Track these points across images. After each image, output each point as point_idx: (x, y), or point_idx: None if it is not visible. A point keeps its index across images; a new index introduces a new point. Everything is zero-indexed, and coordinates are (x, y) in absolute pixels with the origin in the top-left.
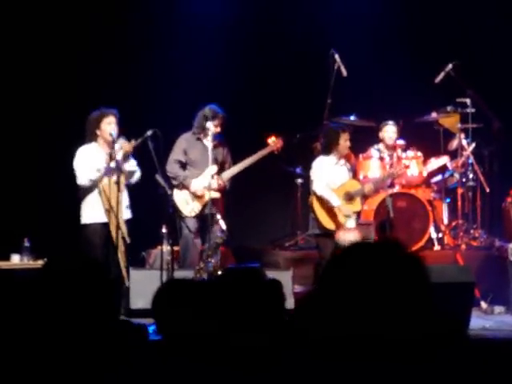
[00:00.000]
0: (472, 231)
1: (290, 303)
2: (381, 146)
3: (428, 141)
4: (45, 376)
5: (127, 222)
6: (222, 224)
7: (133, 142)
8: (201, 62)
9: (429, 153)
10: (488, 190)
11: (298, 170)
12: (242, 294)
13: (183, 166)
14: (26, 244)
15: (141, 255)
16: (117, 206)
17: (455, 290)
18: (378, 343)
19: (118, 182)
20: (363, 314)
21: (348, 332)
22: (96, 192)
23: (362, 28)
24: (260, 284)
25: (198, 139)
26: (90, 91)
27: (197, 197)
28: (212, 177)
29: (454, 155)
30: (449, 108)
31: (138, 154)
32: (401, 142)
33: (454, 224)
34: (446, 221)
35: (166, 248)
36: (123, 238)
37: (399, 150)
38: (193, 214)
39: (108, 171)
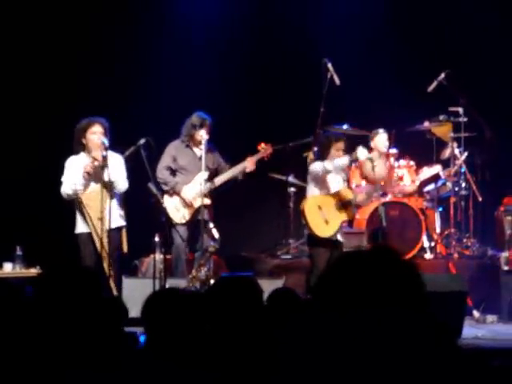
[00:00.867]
0: (464, 240)
1: None
2: (374, 154)
3: (421, 150)
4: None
5: (119, 229)
6: (215, 232)
7: (93, 164)
8: (194, 70)
9: (421, 162)
10: (480, 199)
11: (291, 179)
12: (236, 303)
13: (173, 172)
14: (19, 252)
15: (133, 264)
16: (101, 215)
17: (448, 299)
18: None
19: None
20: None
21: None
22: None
23: (355, 37)
24: (252, 293)
25: (187, 146)
26: (80, 100)
27: (187, 203)
28: (202, 183)
29: (446, 164)
30: (441, 117)
31: (130, 162)
32: (393, 150)
33: (446, 233)
34: (438, 230)
35: (158, 256)
36: (114, 247)
37: (392, 159)
38: (183, 221)
39: (87, 184)
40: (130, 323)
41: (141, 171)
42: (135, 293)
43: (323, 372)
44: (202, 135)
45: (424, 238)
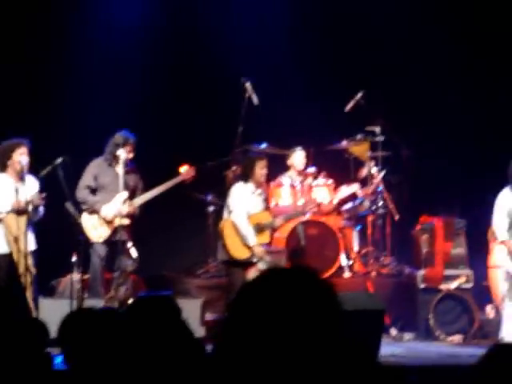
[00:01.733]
0: (382, 258)
1: (199, 331)
2: (291, 173)
3: (338, 168)
4: None
5: (33, 252)
6: (133, 251)
7: (43, 195)
8: (113, 89)
9: (339, 180)
10: (397, 218)
11: (210, 198)
12: (154, 322)
13: (93, 191)
14: None
15: (50, 284)
16: (18, 236)
17: (365, 318)
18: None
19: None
20: (274, 344)
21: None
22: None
23: (274, 56)
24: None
25: (110, 165)
26: None
27: (106, 222)
28: (122, 203)
29: (364, 183)
30: (359, 136)
31: (47, 181)
32: (312, 169)
33: (364, 251)
34: (356, 248)
35: (75, 276)
36: (27, 268)
37: (310, 178)
38: (101, 240)
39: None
40: (48, 344)
41: (58, 190)
42: (52, 313)
43: None
44: (121, 154)
45: (342, 257)
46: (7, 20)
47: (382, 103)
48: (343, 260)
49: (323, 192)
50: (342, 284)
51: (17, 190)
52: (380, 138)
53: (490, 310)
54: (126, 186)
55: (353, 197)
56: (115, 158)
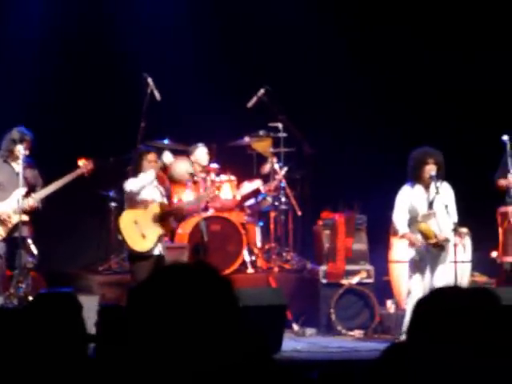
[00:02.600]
0: (284, 254)
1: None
2: (194, 169)
3: (241, 165)
4: None
5: None
6: (33, 248)
7: None
8: (12, 83)
9: (242, 176)
10: (300, 214)
11: (112, 194)
12: (54, 319)
13: None
14: None
15: None
16: None
17: (267, 313)
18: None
19: None
20: (172, 339)
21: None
22: None
23: (176, 52)
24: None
25: (5, 162)
26: None
27: (3, 220)
28: (21, 199)
29: (266, 179)
30: (261, 132)
31: None
32: (214, 165)
33: (266, 247)
34: (259, 244)
35: None
36: None
37: (213, 174)
38: (0, 238)
39: None
40: None
41: None
42: None
43: None
44: (20, 150)
45: (245, 253)
46: None
47: (285, 100)
48: (246, 256)
49: (226, 188)
50: (245, 279)
51: None
52: (282, 135)
53: (390, 305)
54: (25, 182)
55: (255, 193)
56: (11, 154)
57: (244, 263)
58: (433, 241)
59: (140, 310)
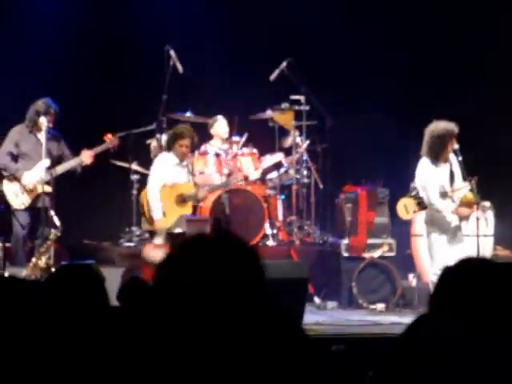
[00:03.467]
0: (306, 227)
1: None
2: (216, 141)
3: (263, 138)
4: None
5: None
6: (56, 220)
7: None
8: (38, 55)
9: (264, 149)
10: (321, 187)
11: (133, 166)
12: (77, 291)
13: (15, 158)
14: None
15: None
16: None
17: (289, 286)
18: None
19: None
20: (199, 309)
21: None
22: None
23: (199, 24)
24: (94, 281)
25: (31, 132)
26: None
27: (27, 190)
28: (44, 170)
29: (288, 152)
30: (283, 105)
31: None
32: (236, 138)
33: (288, 220)
34: (280, 217)
35: None
36: None
37: (235, 147)
38: (22, 207)
39: None
40: None
41: None
42: None
43: None
44: (43, 122)
45: (266, 226)
46: None
47: (307, 72)
48: (268, 229)
49: (248, 161)
50: (267, 252)
51: None
52: (305, 107)
53: (411, 279)
54: (49, 154)
55: (277, 166)
56: (36, 125)
57: (266, 236)
58: (475, 208)
59: (167, 282)
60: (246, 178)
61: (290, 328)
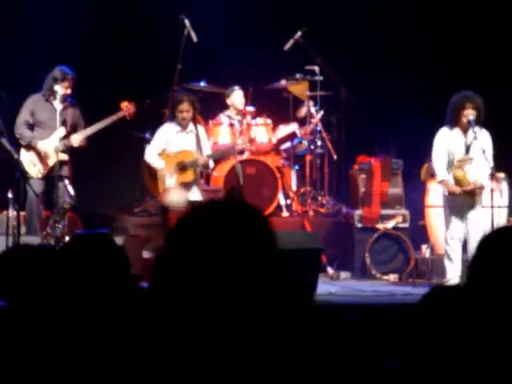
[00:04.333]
0: (320, 198)
1: (137, 269)
2: (230, 112)
3: (277, 108)
4: None
5: None
6: (70, 189)
7: None
8: (52, 24)
9: (278, 120)
10: (335, 158)
11: (147, 136)
12: (91, 260)
13: (31, 127)
14: None
15: None
16: None
17: (303, 256)
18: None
19: None
20: (211, 277)
21: (196, 296)
22: None
23: None
24: (108, 250)
25: (47, 101)
26: None
27: (43, 158)
28: (61, 139)
29: (302, 122)
30: (298, 75)
31: None
32: (250, 108)
33: (302, 191)
34: (294, 187)
35: (11, 213)
36: None
37: (249, 117)
38: (39, 176)
39: None
40: None
41: None
42: None
43: None
44: (58, 89)
45: (280, 196)
46: None
47: (321, 42)
48: (281, 199)
49: (262, 131)
50: (280, 223)
51: None
52: (319, 78)
53: (425, 250)
54: (64, 122)
55: (291, 136)
56: (52, 93)
57: (279, 207)
58: (468, 188)
59: (178, 249)
60: (251, 141)
61: (302, 301)
